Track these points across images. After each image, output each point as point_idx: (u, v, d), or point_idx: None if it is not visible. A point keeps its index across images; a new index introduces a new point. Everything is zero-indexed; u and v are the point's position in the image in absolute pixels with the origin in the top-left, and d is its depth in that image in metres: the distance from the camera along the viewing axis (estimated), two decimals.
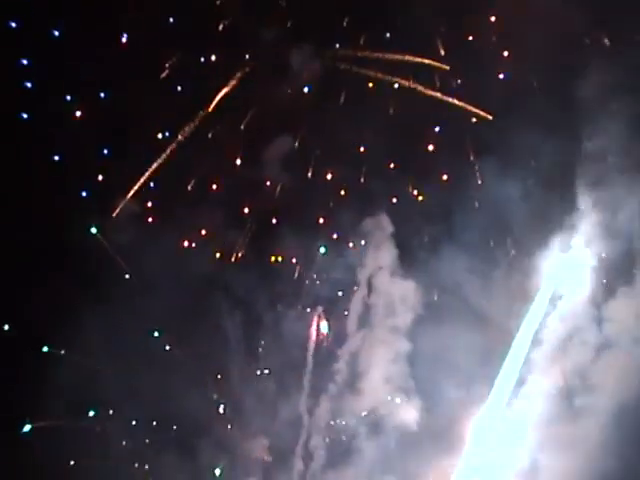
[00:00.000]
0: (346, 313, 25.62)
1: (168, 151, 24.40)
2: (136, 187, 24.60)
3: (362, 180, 25.11)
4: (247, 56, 24.58)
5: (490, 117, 23.98)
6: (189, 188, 24.95)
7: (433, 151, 24.86)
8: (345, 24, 24.29)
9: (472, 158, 24.54)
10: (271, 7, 24.20)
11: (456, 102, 24.01)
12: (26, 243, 23.43)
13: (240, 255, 25.58)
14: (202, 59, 24.43)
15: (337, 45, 24.56)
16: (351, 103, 24.65)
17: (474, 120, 24.25)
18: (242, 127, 24.74)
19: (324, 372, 25.83)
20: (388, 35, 24.23)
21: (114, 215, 24.56)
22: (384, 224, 24.77)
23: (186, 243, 25.33)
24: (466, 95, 24.00)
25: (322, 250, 25.77)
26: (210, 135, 24.82)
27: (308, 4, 24.01)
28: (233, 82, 24.39)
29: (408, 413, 24.85)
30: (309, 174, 25.24)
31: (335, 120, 24.13)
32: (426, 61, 24.02)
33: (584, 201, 22.19)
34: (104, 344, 24.25)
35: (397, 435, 24.95)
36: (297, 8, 24.14)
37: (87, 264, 24.38)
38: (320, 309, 26.14)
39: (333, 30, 24.18)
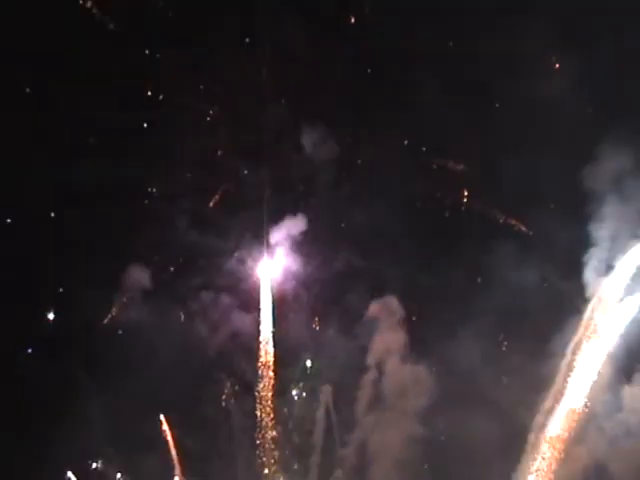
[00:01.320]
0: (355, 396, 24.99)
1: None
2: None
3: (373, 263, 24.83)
4: None
5: (527, 231, 24.11)
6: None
7: (447, 234, 24.74)
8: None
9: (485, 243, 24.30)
10: None
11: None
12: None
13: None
14: None
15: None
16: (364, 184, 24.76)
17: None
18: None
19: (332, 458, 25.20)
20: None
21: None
22: (394, 308, 24.43)
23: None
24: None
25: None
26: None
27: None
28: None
29: None
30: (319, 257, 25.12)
31: (347, 202, 24.22)
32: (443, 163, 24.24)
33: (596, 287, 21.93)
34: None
35: None
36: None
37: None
38: (329, 390, 25.57)
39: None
